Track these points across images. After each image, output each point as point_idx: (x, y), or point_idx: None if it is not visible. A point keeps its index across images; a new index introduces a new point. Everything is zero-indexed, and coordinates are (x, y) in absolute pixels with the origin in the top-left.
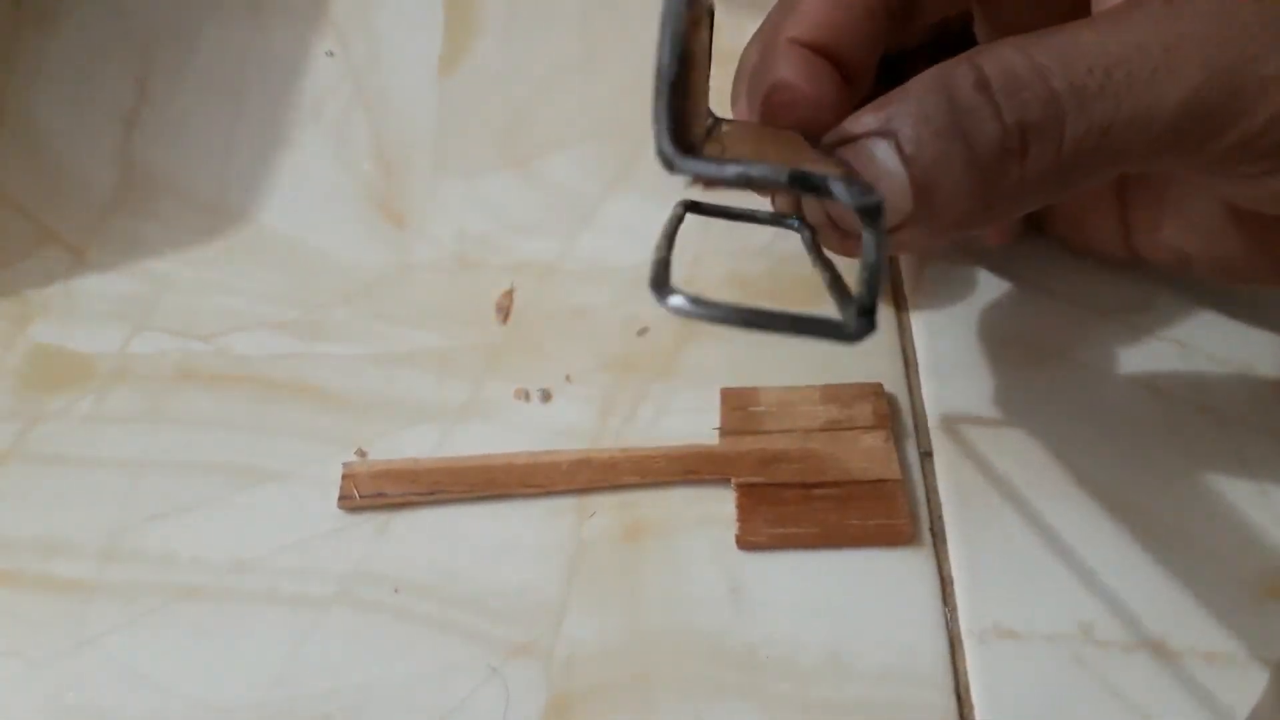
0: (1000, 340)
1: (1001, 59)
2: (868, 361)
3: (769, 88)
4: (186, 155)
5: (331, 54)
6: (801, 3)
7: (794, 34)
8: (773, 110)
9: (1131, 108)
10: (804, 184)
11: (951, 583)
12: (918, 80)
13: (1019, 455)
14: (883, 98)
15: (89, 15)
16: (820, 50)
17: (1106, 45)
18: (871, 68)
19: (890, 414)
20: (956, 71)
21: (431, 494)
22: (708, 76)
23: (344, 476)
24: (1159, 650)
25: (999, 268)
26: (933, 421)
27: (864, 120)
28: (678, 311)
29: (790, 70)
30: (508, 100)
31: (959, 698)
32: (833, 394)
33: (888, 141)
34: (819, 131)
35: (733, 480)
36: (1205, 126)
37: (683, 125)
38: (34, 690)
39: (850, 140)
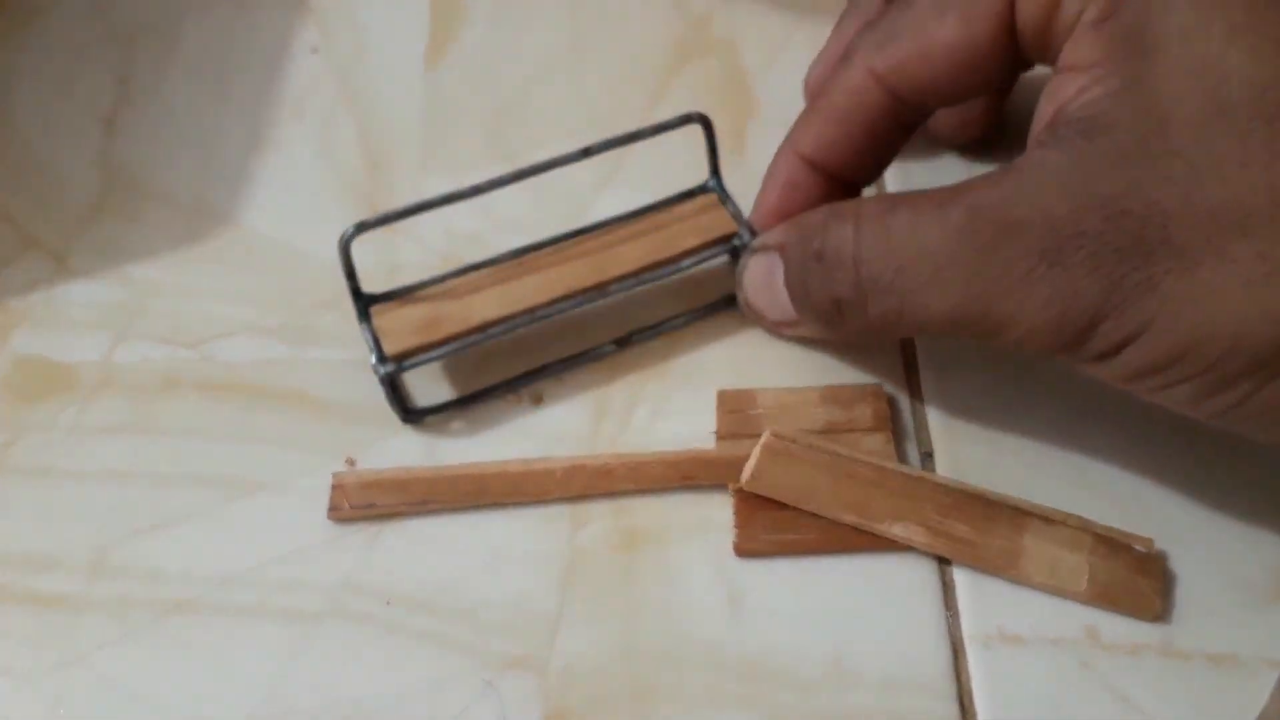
0: None
1: (837, 238)
2: (867, 363)
3: (772, 191)
4: (169, 157)
5: (316, 50)
6: (810, 114)
7: (797, 146)
8: (782, 210)
9: (910, 305)
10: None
11: (954, 587)
12: (803, 219)
13: (1020, 456)
14: (786, 223)
15: (68, 15)
16: (814, 164)
17: (911, 241)
18: (872, 172)
19: (890, 415)
20: (811, 233)
21: (423, 504)
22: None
23: (334, 487)
24: (1165, 653)
25: None
26: (933, 422)
27: (765, 237)
28: None
29: (786, 180)
30: (495, 95)
31: (962, 705)
32: (832, 396)
33: (781, 259)
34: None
35: (730, 485)
36: (976, 331)
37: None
38: (24, 708)
39: (763, 247)
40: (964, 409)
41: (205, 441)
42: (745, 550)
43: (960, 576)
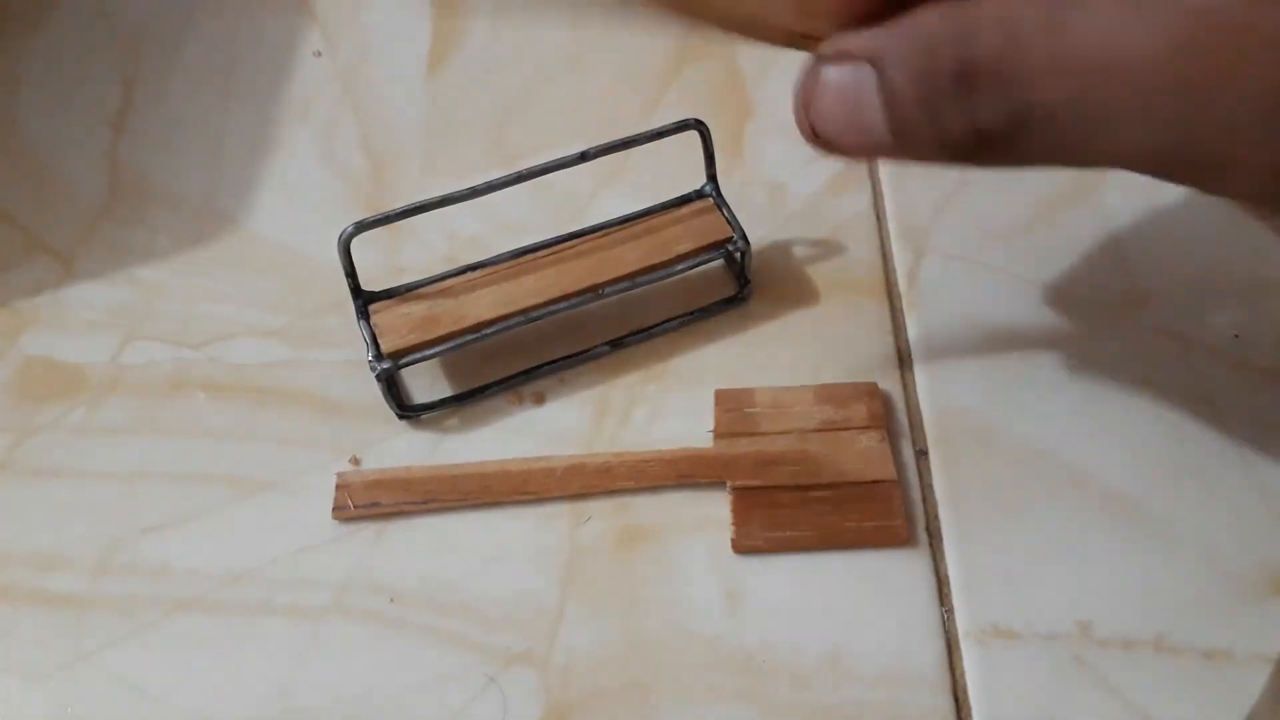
0: (995, 338)
1: (990, 48)
2: (863, 361)
3: None
4: (174, 160)
5: (319, 54)
6: None
7: None
8: None
9: (1098, 140)
10: None
11: (948, 583)
12: (917, 23)
13: (1015, 453)
14: (882, 28)
15: (74, 19)
16: None
17: (1107, 53)
18: None
19: (885, 413)
20: (939, 42)
21: (426, 503)
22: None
23: (338, 487)
24: (1158, 648)
25: (994, 267)
26: (928, 420)
27: (845, 42)
28: None
29: None
30: (496, 99)
31: (956, 699)
32: (828, 394)
33: (876, 74)
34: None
35: (728, 483)
36: (1183, 174)
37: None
38: (33, 706)
39: (844, 56)
40: (958, 406)
41: (211, 441)
42: (743, 547)
43: (955, 573)
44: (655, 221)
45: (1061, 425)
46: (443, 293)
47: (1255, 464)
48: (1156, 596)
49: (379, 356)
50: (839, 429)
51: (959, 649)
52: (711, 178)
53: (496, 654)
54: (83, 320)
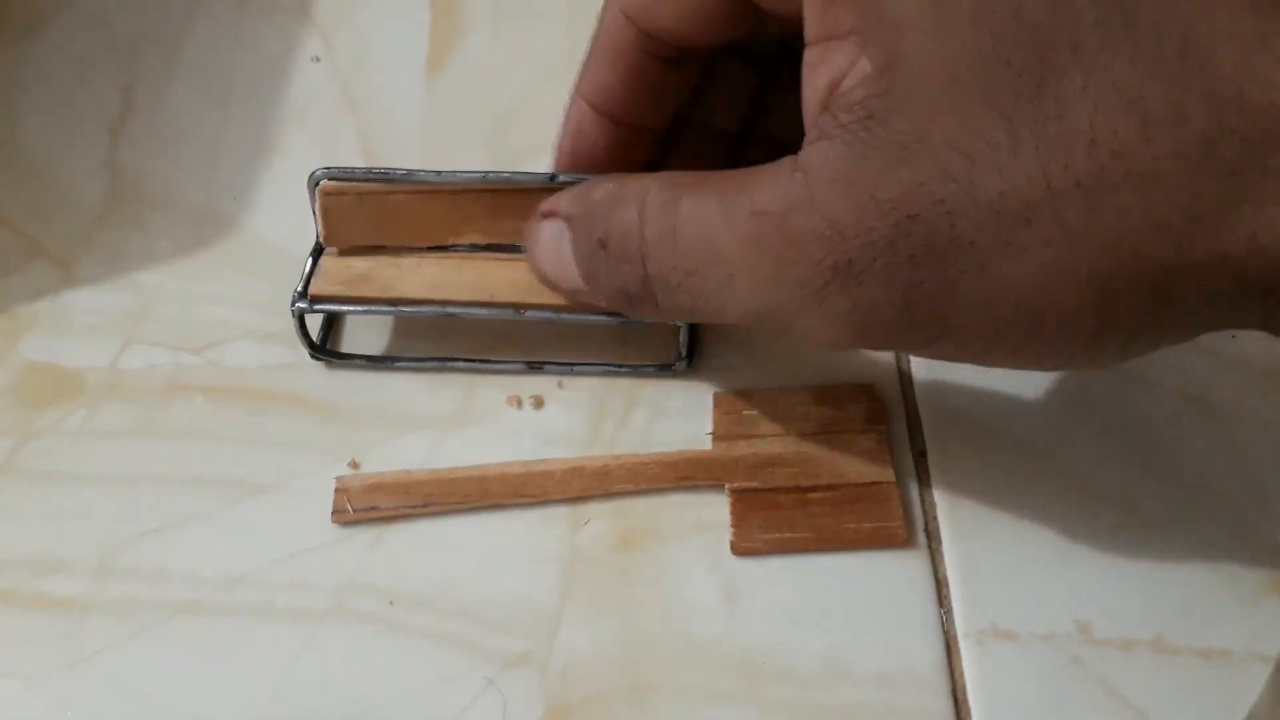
0: None
1: (622, 227)
2: (861, 362)
3: (565, 138)
4: (173, 164)
5: (317, 59)
6: (587, 57)
7: (580, 89)
8: (574, 156)
9: (704, 307)
10: None
11: (947, 584)
12: (590, 192)
13: (1013, 454)
14: (574, 190)
15: (72, 25)
16: (597, 108)
17: (700, 244)
18: (659, 116)
19: (884, 415)
20: (596, 214)
21: (425, 506)
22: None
23: (337, 490)
24: (1157, 648)
25: None
26: (926, 421)
27: (553, 202)
28: None
29: (574, 127)
30: (494, 102)
31: (955, 699)
32: (826, 396)
33: (566, 229)
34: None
35: (727, 486)
36: (778, 332)
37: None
38: (32, 710)
39: (550, 213)
40: (957, 407)
41: (210, 445)
42: (742, 549)
43: (954, 574)
44: None
45: (1059, 426)
46: (391, 259)
47: (1253, 464)
48: (1155, 596)
49: (301, 295)
50: (837, 430)
51: (958, 649)
52: None
53: (496, 656)
54: (82, 324)
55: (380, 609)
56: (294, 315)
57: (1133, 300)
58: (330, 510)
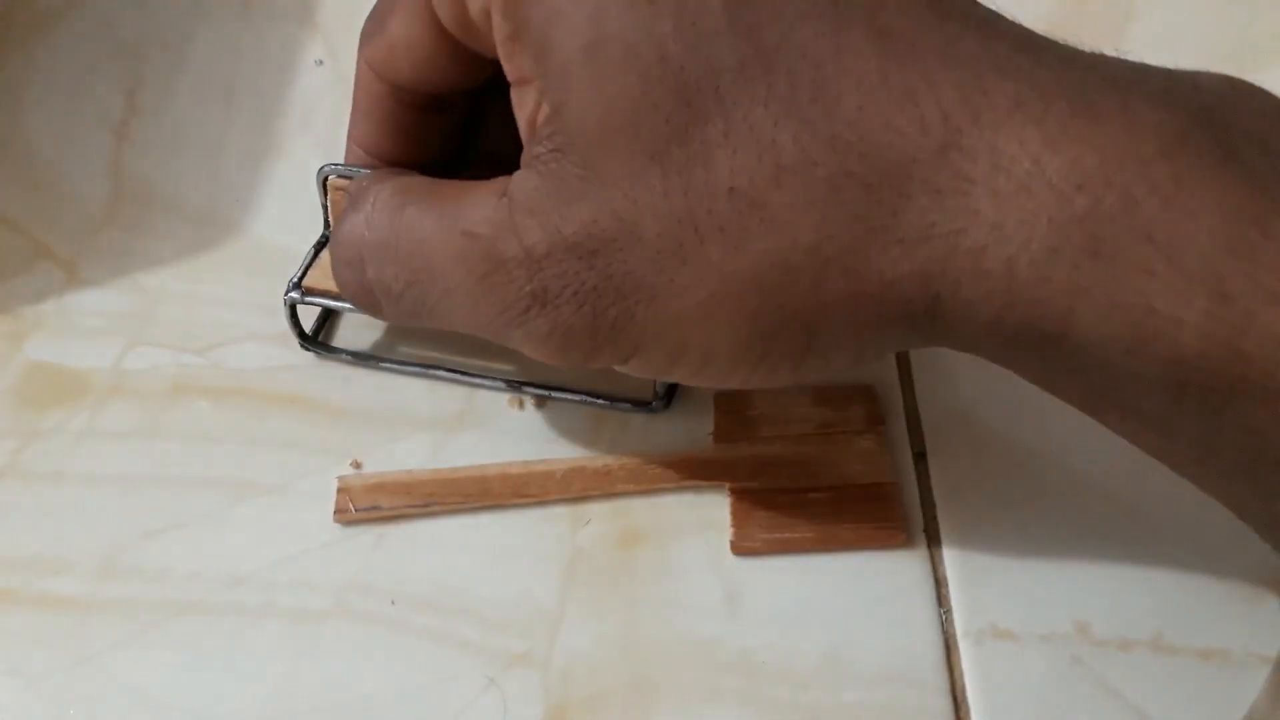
0: None
1: (349, 230)
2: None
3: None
4: (177, 167)
5: (321, 63)
6: (353, 105)
7: (352, 136)
8: None
9: (428, 315)
10: None
11: (946, 584)
12: (356, 185)
13: (1013, 454)
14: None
15: (78, 28)
16: (371, 154)
17: (418, 255)
18: (438, 157)
19: (884, 416)
20: (347, 206)
21: (426, 506)
22: None
23: (339, 490)
24: (1156, 648)
25: None
26: (926, 422)
27: (353, 184)
28: None
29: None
30: None
31: (955, 699)
32: (825, 397)
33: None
34: None
35: (727, 486)
36: (491, 339)
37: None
38: (34, 709)
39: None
40: (957, 409)
41: (213, 445)
42: (742, 549)
43: (953, 574)
44: None
45: (1059, 427)
46: None
47: None
48: (1154, 596)
49: (295, 286)
50: (837, 431)
51: (957, 649)
52: None
53: (496, 656)
54: (86, 326)
55: (382, 609)
56: (285, 304)
57: (787, 333)
58: (332, 510)
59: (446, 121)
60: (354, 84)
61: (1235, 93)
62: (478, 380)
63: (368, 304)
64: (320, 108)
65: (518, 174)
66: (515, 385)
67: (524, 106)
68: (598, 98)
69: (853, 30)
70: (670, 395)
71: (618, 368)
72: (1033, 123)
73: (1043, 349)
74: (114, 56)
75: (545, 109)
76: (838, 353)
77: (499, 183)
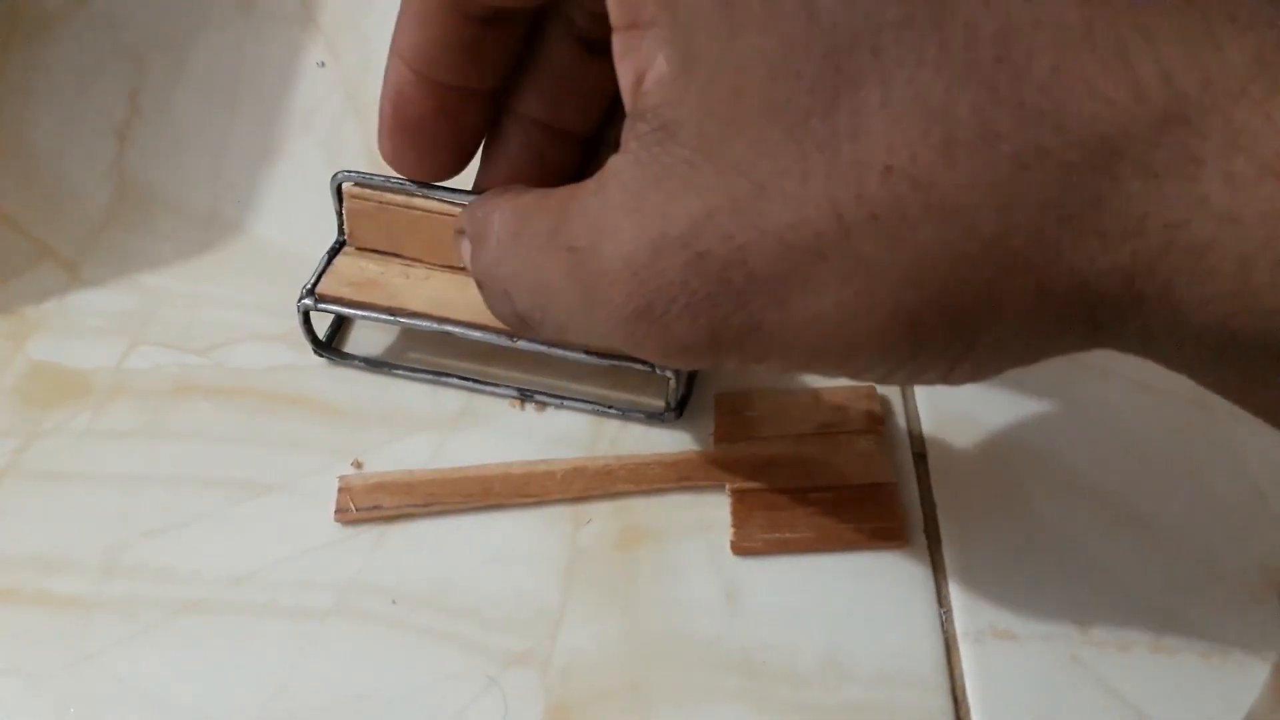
0: None
1: (484, 266)
2: None
3: (386, 99)
4: (180, 168)
5: (323, 64)
6: (401, 11)
7: (397, 49)
8: (396, 119)
9: (572, 336)
10: None
11: (947, 584)
12: (471, 216)
13: (1013, 455)
14: (466, 210)
15: (81, 29)
16: (416, 71)
17: (540, 282)
18: (485, 77)
19: (884, 416)
20: (470, 248)
21: (427, 505)
22: None
23: (340, 490)
24: (1155, 649)
25: None
26: (926, 423)
27: (460, 219)
28: None
29: (394, 89)
30: None
31: (955, 699)
32: (826, 398)
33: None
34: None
35: (727, 486)
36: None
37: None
38: (35, 707)
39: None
40: (957, 408)
41: (215, 445)
42: (742, 549)
43: (953, 574)
44: None
45: (1059, 428)
46: (403, 270)
47: (1251, 466)
48: (1154, 597)
49: (309, 292)
50: (837, 432)
51: (957, 649)
52: None
53: (497, 655)
54: (88, 326)
55: (383, 608)
56: (299, 311)
57: (945, 333)
58: (333, 510)
59: (506, 39)
60: None
61: None
62: (489, 388)
63: (528, 332)
64: (322, 109)
65: (615, 160)
66: (527, 394)
67: (632, 58)
68: (731, 60)
69: None
70: (683, 405)
71: (751, 367)
72: None
73: (1275, 366)
74: (117, 58)
75: (661, 66)
76: (1000, 358)
77: (597, 178)
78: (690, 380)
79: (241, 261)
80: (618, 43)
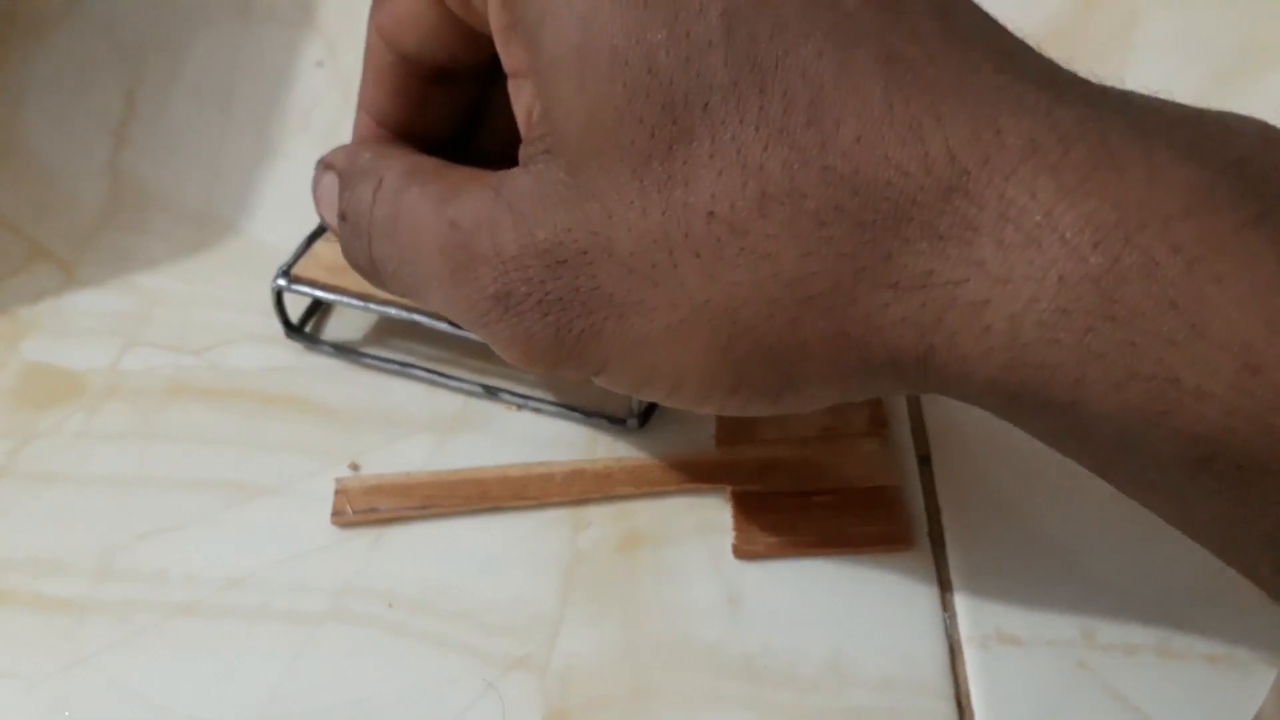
0: None
1: (356, 203)
2: None
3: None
4: (176, 168)
5: (321, 63)
6: (363, 70)
7: (360, 102)
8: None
9: (419, 298)
10: None
11: (951, 588)
12: (355, 152)
13: (1018, 458)
14: (348, 145)
15: (77, 29)
16: (378, 122)
17: (411, 239)
18: (445, 130)
19: (887, 419)
20: (347, 179)
21: (425, 508)
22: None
23: (337, 492)
24: (1162, 653)
25: None
26: (930, 425)
27: (333, 153)
28: None
29: (358, 136)
30: None
31: (960, 705)
32: None
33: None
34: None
35: (729, 489)
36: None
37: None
38: (29, 711)
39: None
40: (961, 413)
41: (210, 447)
42: (744, 552)
43: (957, 578)
44: None
45: None
46: None
47: None
48: (1160, 601)
49: (283, 273)
50: (840, 434)
51: (962, 654)
52: None
53: (495, 659)
54: (83, 326)
55: (379, 611)
56: (272, 291)
57: (761, 369)
58: (329, 512)
59: (456, 96)
60: (364, 50)
61: (1269, 144)
62: (456, 383)
63: (372, 276)
64: (320, 109)
65: (513, 170)
66: (493, 391)
67: (520, 100)
68: (583, 104)
69: (859, 52)
70: (648, 414)
71: (590, 379)
72: (1047, 171)
73: (1049, 414)
74: (113, 58)
75: (538, 106)
76: (816, 393)
77: (491, 176)
78: None
79: (238, 262)
80: (510, 87)
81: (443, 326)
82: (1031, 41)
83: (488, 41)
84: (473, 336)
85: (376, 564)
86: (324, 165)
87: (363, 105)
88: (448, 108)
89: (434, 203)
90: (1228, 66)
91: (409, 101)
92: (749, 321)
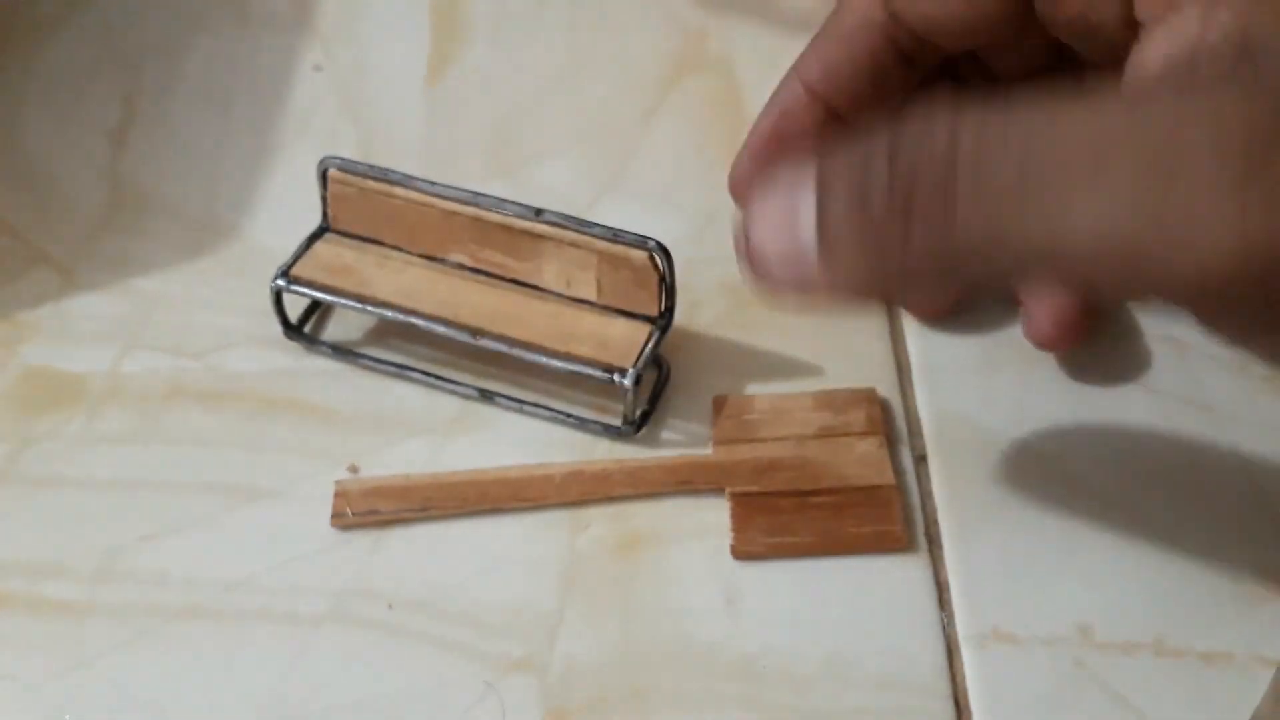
0: (993, 342)
1: (927, 140)
2: (861, 367)
3: (767, 118)
4: (175, 172)
5: (319, 68)
6: (816, 39)
7: (800, 71)
8: (774, 138)
9: (1039, 221)
10: None
11: (948, 588)
12: (846, 146)
13: (1014, 457)
14: (816, 156)
15: (76, 33)
16: (813, 92)
17: (1049, 134)
18: (873, 103)
19: (884, 419)
20: (874, 149)
21: (424, 510)
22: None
23: (336, 494)
24: (1158, 651)
25: None
26: (927, 425)
27: (782, 172)
28: None
29: (780, 107)
30: (495, 109)
31: (957, 703)
32: (826, 400)
33: (809, 195)
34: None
35: (727, 490)
36: (1126, 263)
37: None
38: (30, 713)
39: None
40: (958, 411)
41: (210, 450)
42: (742, 553)
43: (955, 578)
44: (583, 284)
45: (1060, 430)
46: (380, 258)
47: (1254, 468)
48: (1156, 599)
49: (283, 273)
50: (838, 435)
51: (959, 653)
52: (667, 309)
53: (495, 661)
54: (83, 330)
55: (379, 613)
56: (271, 291)
57: None
58: (329, 514)
59: (909, 81)
60: (838, 9)
61: None
62: (451, 386)
63: (909, 241)
64: (318, 113)
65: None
66: (488, 395)
67: (1167, 39)
68: None
69: None
70: (643, 421)
71: None
72: None
73: None
74: (112, 63)
75: (1224, 16)
76: None
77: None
78: (655, 397)
79: (236, 265)
80: (1153, 33)
81: (439, 329)
82: None
83: (1023, 13)
84: (468, 339)
85: (376, 566)
86: (772, 187)
87: (800, 72)
88: (897, 90)
89: (1070, 100)
90: None
91: (870, 72)
92: None
